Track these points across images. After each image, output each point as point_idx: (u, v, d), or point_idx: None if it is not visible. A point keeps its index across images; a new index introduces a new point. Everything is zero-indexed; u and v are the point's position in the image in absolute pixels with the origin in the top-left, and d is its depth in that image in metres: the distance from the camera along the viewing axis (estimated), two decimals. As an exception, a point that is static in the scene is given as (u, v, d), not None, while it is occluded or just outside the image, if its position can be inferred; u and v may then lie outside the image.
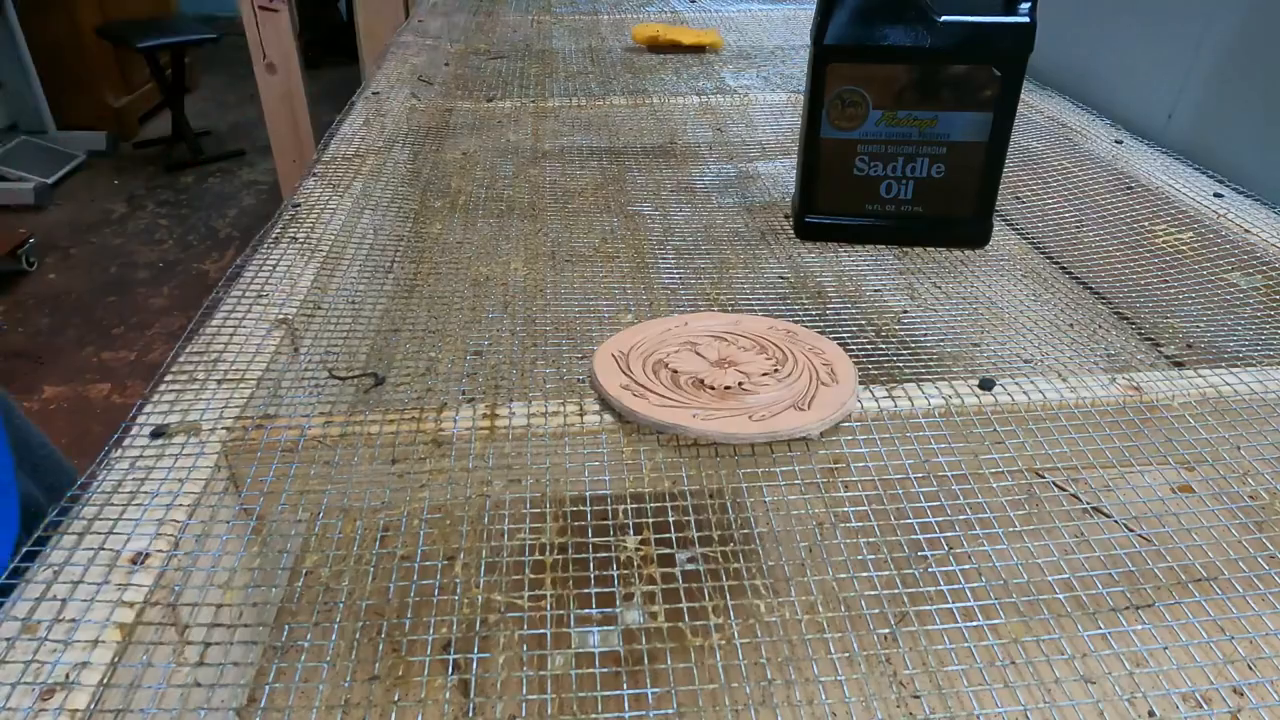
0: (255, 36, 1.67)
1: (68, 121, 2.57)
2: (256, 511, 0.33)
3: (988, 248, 0.53)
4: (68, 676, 0.24)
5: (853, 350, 0.40)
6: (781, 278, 0.50)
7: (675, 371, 0.37)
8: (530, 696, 0.26)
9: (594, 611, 0.29)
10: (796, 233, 0.55)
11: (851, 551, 0.30)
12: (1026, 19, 0.47)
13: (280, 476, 0.33)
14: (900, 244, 0.53)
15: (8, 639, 0.25)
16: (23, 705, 0.23)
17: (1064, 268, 0.52)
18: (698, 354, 0.38)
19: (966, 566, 0.30)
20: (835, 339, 0.40)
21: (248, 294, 0.44)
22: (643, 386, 0.36)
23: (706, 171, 0.65)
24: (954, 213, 0.52)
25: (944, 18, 0.47)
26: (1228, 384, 0.38)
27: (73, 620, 0.26)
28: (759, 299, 0.47)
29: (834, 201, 0.53)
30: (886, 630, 0.28)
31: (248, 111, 2.87)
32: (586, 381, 0.38)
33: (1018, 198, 0.61)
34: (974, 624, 0.28)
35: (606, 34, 1.06)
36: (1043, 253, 0.54)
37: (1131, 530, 0.33)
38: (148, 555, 0.28)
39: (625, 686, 0.26)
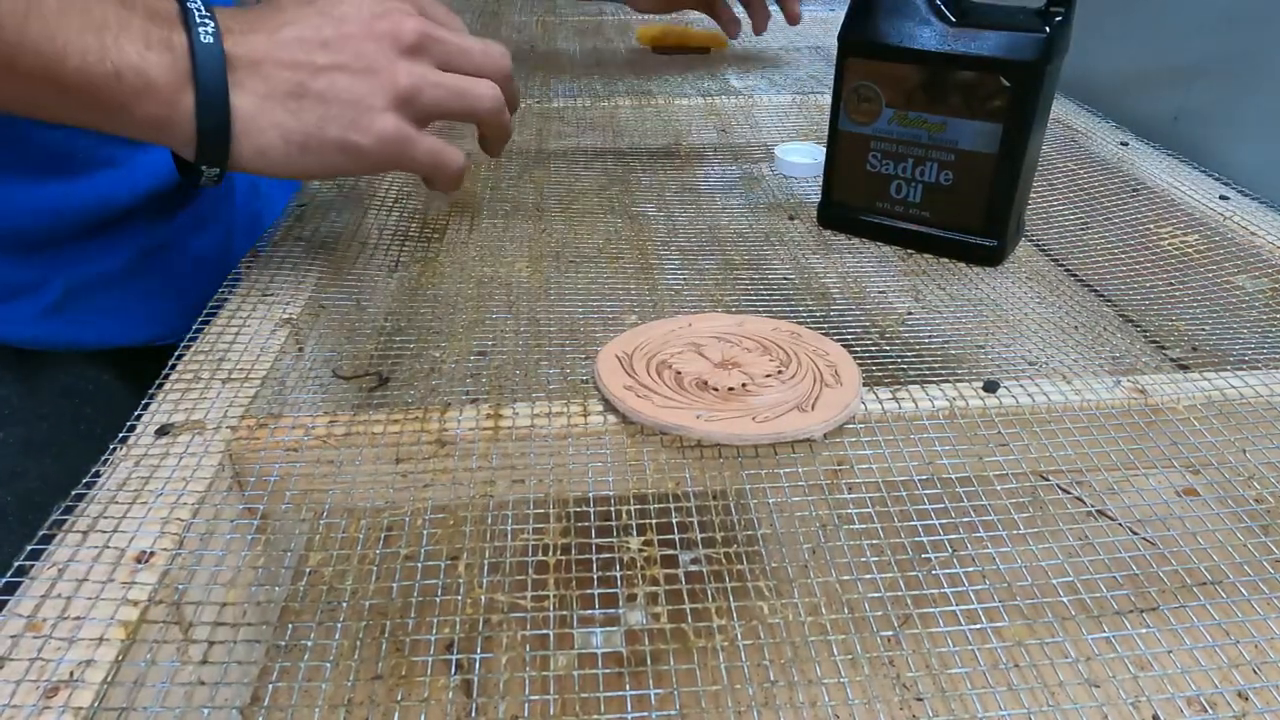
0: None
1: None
2: (260, 510, 0.33)
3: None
4: (72, 674, 0.24)
5: (857, 352, 0.40)
6: (786, 279, 0.50)
7: (679, 372, 0.37)
8: (533, 697, 0.26)
9: (597, 612, 0.29)
10: (818, 218, 0.56)
11: (855, 553, 0.30)
12: (1043, 33, 0.45)
13: (284, 475, 0.33)
14: (911, 247, 0.53)
15: (12, 636, 0.25)
16: (27, 703, 0.23)
17: (1069, 270, 0.52)
18: (701, 355, 0.38)
19: (970, 569, 0.30)
20: (839, 340, 0.40)
21: (253, 293, 0.45)
22: (646, 388, 0.36)
23: (711, 173, 0.65)
24: (960, 224, 0.51)
25: (959, 23, 0.47)
26: (1233, 387, 0.37)
27: (77, 618, 0.26)
28: (763, 300, 0.47)
29: (849, 194, 0.54)
30: (890, 632, 0.28)
31: (253, 112, 2.87)
32: (590, 382, 0.38)
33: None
34: (978, 626, 0.28)
35: (611, 35, 1.06)
36: (1048, 255, 0.54)
37: (1136, 533, 0.33)
38: (152, 554, 0.28)
39: (628, 687, 0.26)
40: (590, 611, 0.29)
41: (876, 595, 0.29)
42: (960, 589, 0.29)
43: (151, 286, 0.54)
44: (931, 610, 0.28)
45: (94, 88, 0.35)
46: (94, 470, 0.32)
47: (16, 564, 0.27)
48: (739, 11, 0.87)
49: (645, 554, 0.31)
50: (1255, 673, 0.26)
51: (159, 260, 0.54)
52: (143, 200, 0.51)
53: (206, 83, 0.37)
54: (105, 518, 0.29)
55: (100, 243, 0.51)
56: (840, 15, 0.51)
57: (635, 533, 0.31)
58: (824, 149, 0.55)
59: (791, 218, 0.58)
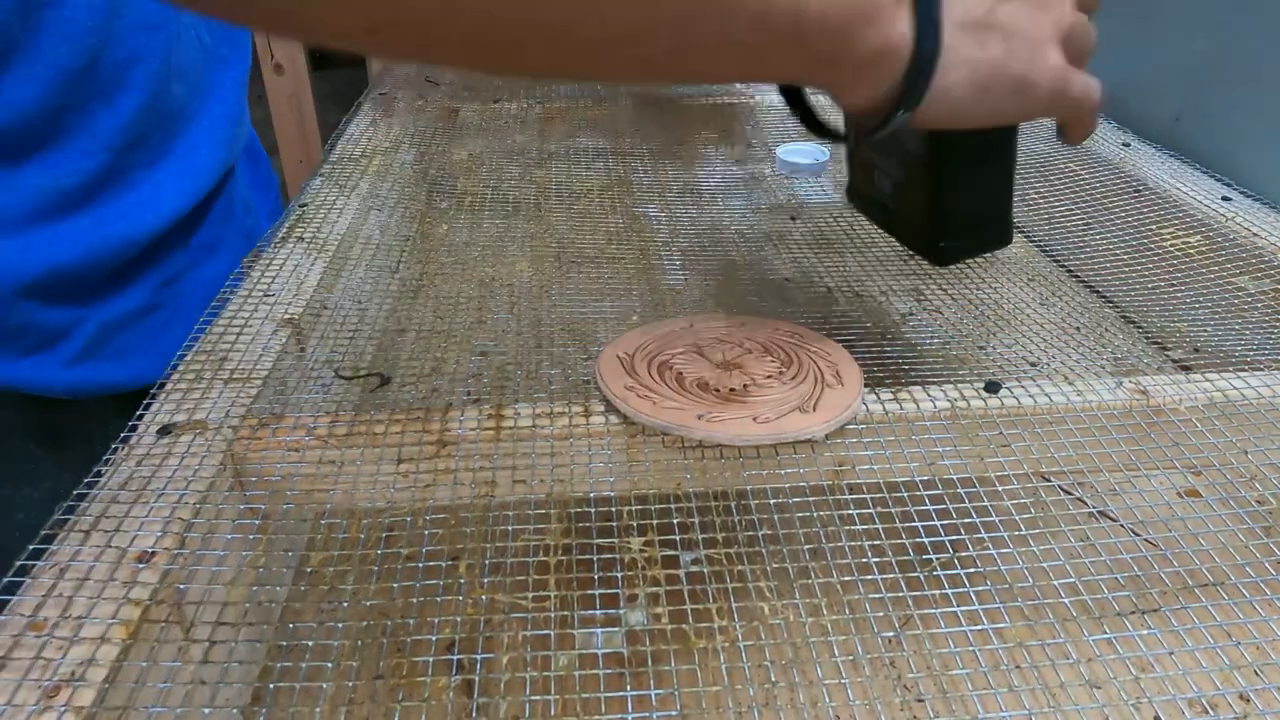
0: (263, 37, 1.67)
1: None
2: (262, 510, 0.33)
3: (994, 251, 0.53)
4: (73, 674, 0.24)
5: (858, 352, 0.40)
6: (788, 280, 0.50)
7: (680, 373, 0.37)
8: (534, 697, 0.26)
9: (598, 612, 0.29)
10: (846, 192, 0.55)
11: (856, 554, 0.30)
12: None
13: (286, 476, 0.33)
14: (891, 235, 0.52)
15: (14, 635, 0.25)
16: (28, 702, 0.23)
17: (1071, 271, 0.52)
18: (703, 356, 0.38)
19: (971, 570, 0.30)
20: (841, 341, 0.40)
21: (254, 293, 0.45)
22: (648, 388, 0.36)
23: (712, 173, 0.65)
24: (913, 220, 0.48)
25: None
26: (1235, 388, 0.37)
27: (79, 617, 0.26)
28: (765, 301, 0.47)
29: (856, 175, 0.53)
30: (891, 633, 0.28)
31: (255, 112, 2.87)
32: (592, 383, 0.38)
33: (1025, 201, 0.61)
34: (979, 627, 0.28)
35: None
36: (1049, 256, 0.54)
37: (1137, 534, 0.33)
38: (154, 553, 0.28)
39: (629, 688, 0.26)
40: (591, 612, 0.29)
41: (877, 596, 0.29)
42: (961, 590, 0.29)
43: (170, 318, 0.55)
44: (933, 611, 0.28)
45: (831, 26, 0.31)
46: (95, 470, 0.32)
47: (18, 563, 0.27)
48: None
49: (646, 554, 0.31)
50: (1257, 674, 0.26)
51: (174, 291, 0.55)
52: (166, 228, 0.53)
53: None
54: (107, 517, 0.29)
55: (128, 277, 0.53)
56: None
57: (636, 533, 0.31)
58: (825, 149, 0.55)
59: (793, 218, 0.58)
